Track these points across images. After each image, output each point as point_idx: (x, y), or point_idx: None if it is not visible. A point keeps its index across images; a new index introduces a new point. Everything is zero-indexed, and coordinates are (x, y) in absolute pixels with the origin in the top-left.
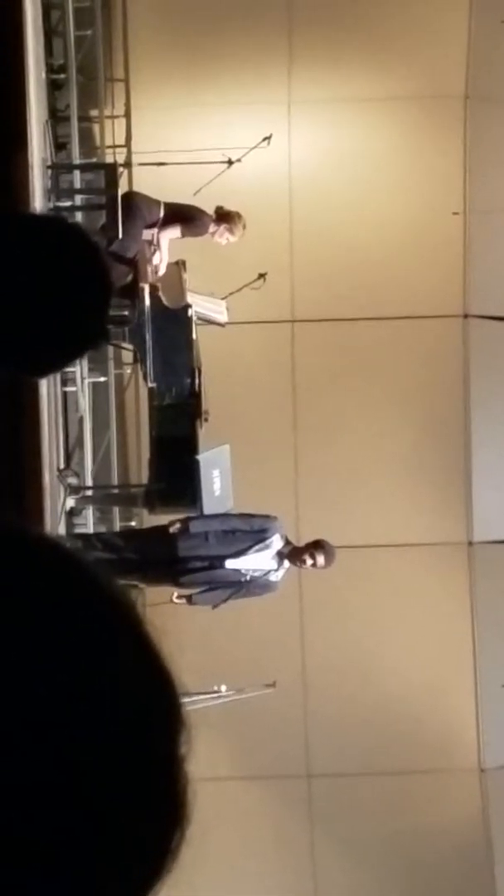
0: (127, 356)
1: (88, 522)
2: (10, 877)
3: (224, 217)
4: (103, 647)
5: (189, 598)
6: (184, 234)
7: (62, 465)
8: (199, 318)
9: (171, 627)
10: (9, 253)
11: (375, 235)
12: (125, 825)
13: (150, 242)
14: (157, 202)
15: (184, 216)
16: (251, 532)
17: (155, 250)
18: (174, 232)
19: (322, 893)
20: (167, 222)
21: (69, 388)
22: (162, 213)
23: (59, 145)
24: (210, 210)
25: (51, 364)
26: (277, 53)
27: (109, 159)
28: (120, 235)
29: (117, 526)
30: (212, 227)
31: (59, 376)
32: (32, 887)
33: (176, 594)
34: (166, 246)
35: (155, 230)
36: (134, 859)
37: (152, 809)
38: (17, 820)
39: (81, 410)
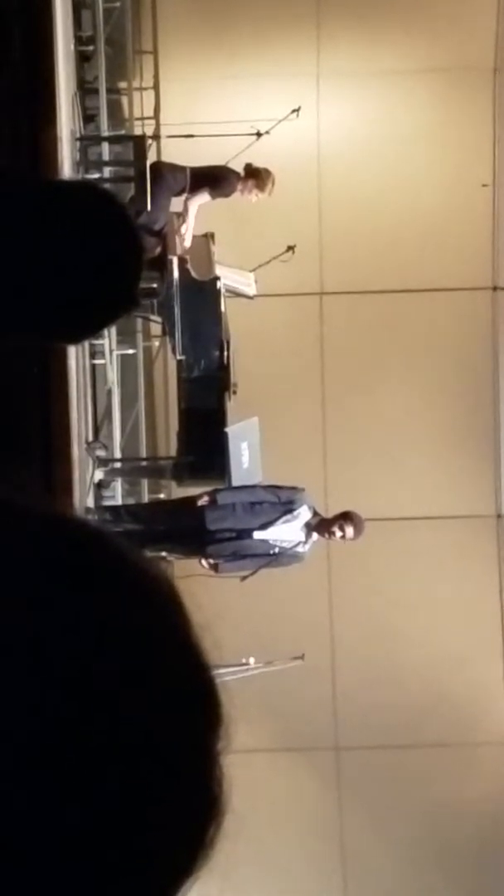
0: (155, 329)
1: (117, 495)
2: (47, 868)
3: (253, 174)
4: (141, 636)
5: (216, 566)
6: (213, 197)
7: (91, 438)
8: (227, 291)
9: (199, 600)
10: (41, 217)
11: (404, 208)
12: (160, 819)
13: (178, 214)
14: (183, 168)
15: (210, 177)
16: (279, 503)
17: (183, 222)
18: (203, 197)
19: (350, 865)
20: (194, 187)
21: (98, 361)
22: (189, 179)
23: (88, 117)
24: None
25: (82, 329)
26: (306, 25)
27: (138, 131)
28: (149, 207)
29: (146, 498)
30: (240, 185)
31: (87, 349)
32: (68, 880)
33: (203, 559)
34: (195, 213)
35: (183, 197)
36: (169, 853)
37: (187, 804)
38: (53, 811)
39: (110, 383)
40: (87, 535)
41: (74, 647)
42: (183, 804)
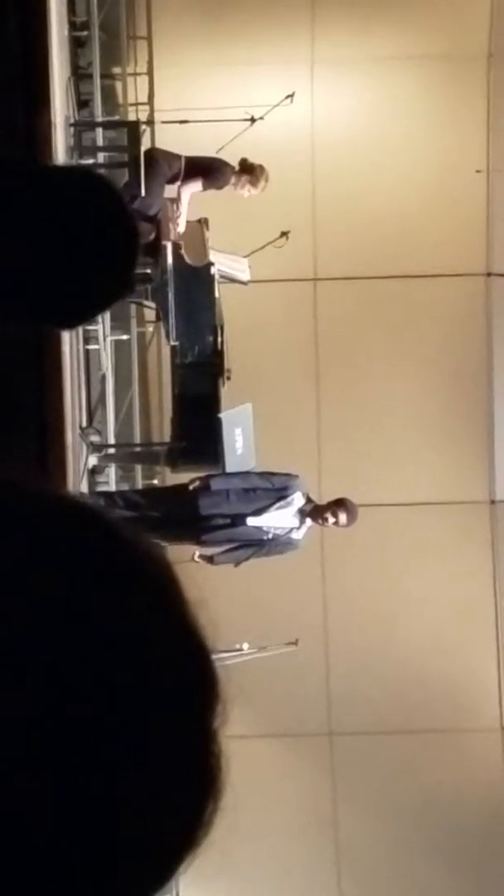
0: (149, 314)
1: (111, 480)
2: (47, 844)
3: (247, 169)
4: (138, 614)
5: (211, 559)
6: (205, 188)
7: (84, 424)
8: (221, 277)
9: (193, 585)
10: (36, 203)
11: (398, 194)
12: (160, 795)
13: (172, 200)
14: (178, 156)
15: (205, 168)
16: (272, 490)
17: (177, 208)
18: (195, 186)
19: (343, 851)
20: (188, 176)
21: (92, 347)
22: (182, 167)
23: (82, 103)
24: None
25: (77, 315)
26: (300, 11)
27: (132, 117)
28: (143, 193)
29: (139, 484)
30: (233, 179)
31: (81, 334)
32: (68, 856)
33: (197, 553)
34: (187, 200)
35: (176, 185)
36: (167, 830)
37: (186, 782)
38: (51, 788)
39: (104, 368)
40: (85, 516)
41: (71, 625)
42: (181, 780)
